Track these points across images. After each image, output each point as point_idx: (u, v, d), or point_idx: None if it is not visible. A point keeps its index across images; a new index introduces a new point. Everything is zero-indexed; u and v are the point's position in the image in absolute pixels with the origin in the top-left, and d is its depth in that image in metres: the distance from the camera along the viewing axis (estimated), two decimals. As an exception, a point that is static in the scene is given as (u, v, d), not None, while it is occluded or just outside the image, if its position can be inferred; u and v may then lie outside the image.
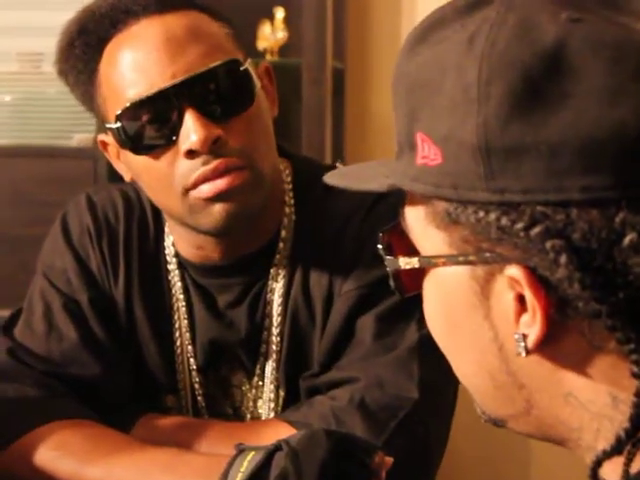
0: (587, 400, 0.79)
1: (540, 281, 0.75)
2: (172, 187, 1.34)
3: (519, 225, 0.75)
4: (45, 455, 1.34)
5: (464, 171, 0.76)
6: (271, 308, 1.45)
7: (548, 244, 0.74)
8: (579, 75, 0.73)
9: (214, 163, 1.31)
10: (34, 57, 2.79)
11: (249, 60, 1.38)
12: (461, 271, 0.80)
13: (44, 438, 1.35)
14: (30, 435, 1.36)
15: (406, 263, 0.85)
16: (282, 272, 1.44)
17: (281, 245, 1.43)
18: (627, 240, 0.73)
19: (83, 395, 1.43)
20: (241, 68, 1.34)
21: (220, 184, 1.31)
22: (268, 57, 2.60)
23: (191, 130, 1.29)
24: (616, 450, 0.77)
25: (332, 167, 1.54)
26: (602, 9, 0.77)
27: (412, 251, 0.85)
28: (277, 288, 1.44)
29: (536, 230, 0.74)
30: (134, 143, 1.34)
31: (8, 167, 2.56)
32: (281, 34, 2.67)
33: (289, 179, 1.47)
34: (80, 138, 2.78)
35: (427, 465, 1.37)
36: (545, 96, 0.74)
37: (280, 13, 2.66)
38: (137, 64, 1.31)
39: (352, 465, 1.22)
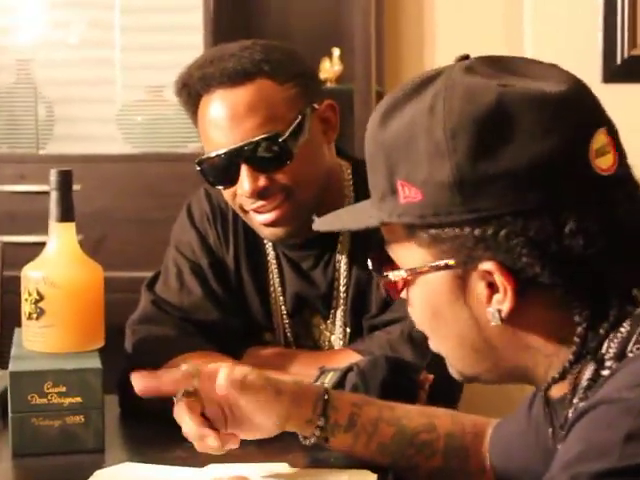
0: (543, 345, 0.82)
1: (508, 269, 0.78)
2: (235, 207, 1.42)
3: (490, 232, 0.78)
4: None
5: (443, 202, 0.79)
6: (339, 271, 1.47)
7: (513, 242, 0.77)
8: (517, 120, 0.77)
9: (260, 203, 1.38)
10: (157, 88, 2.82)
11: (313, 106, 1.40)
12: (443, 275, 0.82)
13: (182, 364, 1.38)
14: (171, 363, 1.37)
15: (396, 276, 0.86)
16: (346, 245, 1.46)
17: None
18: (567, 230, 0.77)
19: (207, 334, 1.45)
20: (280, 140, 1.36)
21: (267, 218, 1.39)
22: (328, 85, 2.62)
23: (244, 181, 1.36)
24: (562, 376, 0.81)
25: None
26: (509, 75, 0.80)
27: (396, 267, 0.86)
28: (343, 257, 1.46)
29: (502, 233, 0.77)
30: (209, 181, 1.42)
31: (143, 169, 2.60)
32: (337, 67, 2.68)
33: (349, 177, 1.49)
34: (194, 146, 2.80)
35: (457, 383, 1.39)
36: (497, 138, 0.77)
37: (337, 52, 2.68)
38: (213, 126, 1.37)
39: (404, 381, 1.26)
